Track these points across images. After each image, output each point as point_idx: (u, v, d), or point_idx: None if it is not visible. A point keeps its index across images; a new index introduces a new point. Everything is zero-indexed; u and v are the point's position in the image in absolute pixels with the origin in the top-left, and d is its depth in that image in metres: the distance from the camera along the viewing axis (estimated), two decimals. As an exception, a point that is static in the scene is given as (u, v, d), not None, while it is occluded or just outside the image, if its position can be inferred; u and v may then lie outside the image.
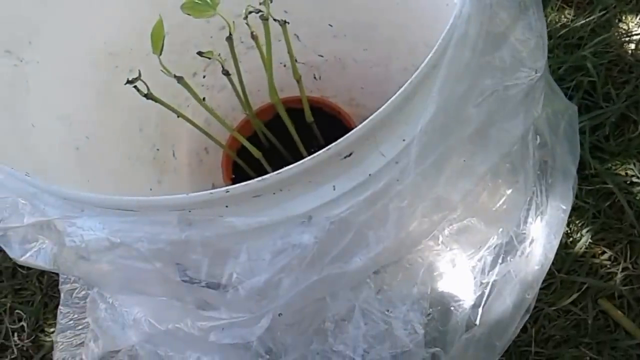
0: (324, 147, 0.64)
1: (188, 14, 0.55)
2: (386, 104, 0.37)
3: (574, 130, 0.45)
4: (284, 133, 0.65)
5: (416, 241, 0.41)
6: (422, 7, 0.58)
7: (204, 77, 0.71)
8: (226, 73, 0.61)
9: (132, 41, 0.63)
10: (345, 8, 0.67)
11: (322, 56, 0.73)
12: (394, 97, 0.36)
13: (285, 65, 0.75)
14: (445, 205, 0.38)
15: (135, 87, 0.55)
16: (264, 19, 0.53)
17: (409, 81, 0.36)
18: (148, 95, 0.56)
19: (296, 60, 0.61)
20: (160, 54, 0.53)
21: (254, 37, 0.59)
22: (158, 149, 0.67)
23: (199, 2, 0.55)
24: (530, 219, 0.45)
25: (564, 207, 0.47)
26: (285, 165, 0.65)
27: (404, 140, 0.37)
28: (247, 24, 0.57)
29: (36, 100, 0.52)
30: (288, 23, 0.57)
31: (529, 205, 0.45)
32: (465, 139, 0.36)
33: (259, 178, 0.38)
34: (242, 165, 0.67)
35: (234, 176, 0.69)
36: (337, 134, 0.65)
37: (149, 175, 0.67)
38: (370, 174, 0.38)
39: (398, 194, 0.38)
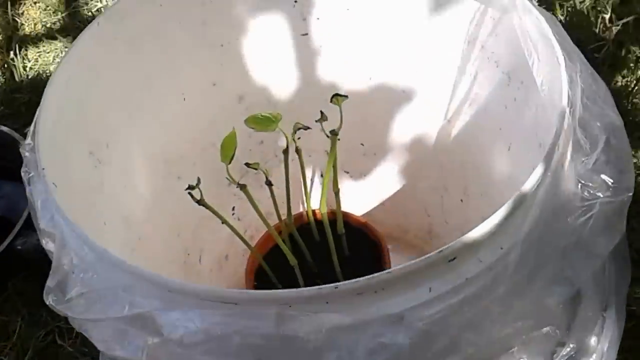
0: (350, 258, 0.68)
1: (252, 128, 0.59)
2: (490, 218, 0.40)
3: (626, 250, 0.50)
4: (311, 242, 0.68)
5: (505, 346, 0.44)
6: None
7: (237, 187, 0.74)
8: (269, 184, 0.64)
9: (183, 151, 0.66)
10: (380, 132, 0.72)
11: (347, 172, 0.77)
12: (501, 209, 0.39)
13: (311, 180, 0.79)
14: (533, 314, 0.41)
15: (190, 193, 0.57)
16: (334, 134, 0.57)
17: (513, 197, 0.39)
18: (200, 202, 0.58)
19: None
20: (230, 163, 0.56)
21: (298, 151, 0.63)
22: (189, 254, 0.69)
23: (262, 117, 0.59)
24: (596, 331, 0.48)
25: (620, 323, 0.51)
26: (314, 275, 0.67)
27: (501, 248, 0.41)
28: (294, 139, 0.61)
29: (108, 200, 0.54)
30: (338, 138, 0.60)
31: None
32: (560, 251, 0.40)
33: (367, 277, 0.40)
34: (267, 272, 0.68)
35: (256, 283, 0.70)
36: (363, 246, 0.69)
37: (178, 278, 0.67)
38: (467, 278, 0.41)
39: (492, 300, 0.41)
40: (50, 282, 0.45)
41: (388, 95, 0.70)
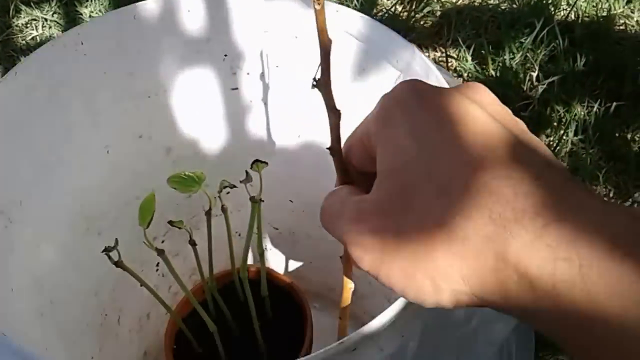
0: (272, 321, 0.66)
1: (174, 188, 0.56)
2: (391, 307, 0.40)
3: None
4: (234, 302, 0.65)
5: None
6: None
7: (162, 242, 0.71)
8: (193, 243, 0.62)
9: (105, 205, 0.63)
10: (309, 189, 0.70)
11: (276, 229, 0.75)
12: (397, 302, 0.39)
13: (239, 235, 0.76)
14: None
15: (107, 254, 0.54)
16: (254, 202, 0.55)
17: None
18: (118, 264, 0.55)
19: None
20: (147, 227, 0.53)
21: (224, 209, 0.61)
22: (107, 315, 0.65)
23: (186, 177, 0.57)
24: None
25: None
26: (235, 339, 0.64)
27: (402, 336, 0.40)
28: (219, 197, 0.59)
29: (18, 262, 0.51)
30: (263, 201, 0.59)
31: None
32: (456, 339, 0.39)
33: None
34: (186, 335, 0.65)
35: (175, 346, 0.67)
36: (286, 308, 0.67)
37: (93, 342, 0.64)
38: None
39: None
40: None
41: (316, 153, 0.68)
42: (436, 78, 0.52)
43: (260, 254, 0.64)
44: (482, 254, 0.27)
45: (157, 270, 0.71)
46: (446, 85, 0.51)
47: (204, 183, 0.57)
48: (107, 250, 0.54)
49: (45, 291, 0.54)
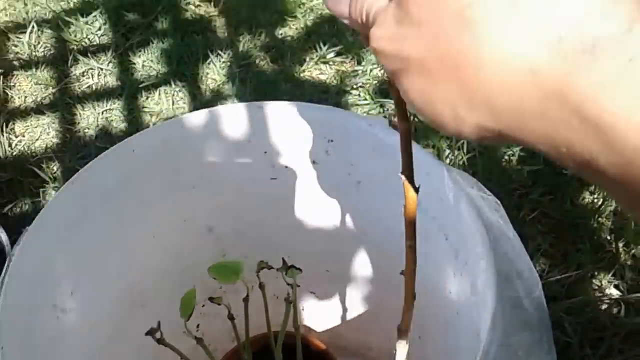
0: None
1: (214, 278, 0.61)
2: None
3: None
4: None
5: None
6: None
7: (203, 305, 0.76)
8: (231, 318, 0.67)
9: (149, 281, 0.69)
10: (346, 262, 0.75)
11: (314, 293, 0.80)
12: None
13: (277, 297, 0.81)
14: None
15: (151, 336, 0.59)
16: (289, 302, 0.59)
17: None
18: (161, 341, 0.60)
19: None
20: (188, 320, 0.58)
21: (262, 287, 0.66)
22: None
23: (225, 268, 0.61)
24: None
25: None
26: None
27: None
28: (258, 276, 0.64)
29: (68, 349, 0.56)
30: (299, 286, 0.63)
31: None
32: None
33: None
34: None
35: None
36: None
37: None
38: None
39: None
40: None
41: (352, 235, 0.73)
42: (466, 201, 0.55)
43: (296, 329, 0.68)
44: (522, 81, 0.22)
45: (197, 331, 0.76)
46: (476, 215, 0.54)
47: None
48: (150, 333, 0.59)
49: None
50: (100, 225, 0.63)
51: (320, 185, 0.72)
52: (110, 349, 0.66)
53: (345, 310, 0.83)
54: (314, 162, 0.69)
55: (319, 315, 0.84)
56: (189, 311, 0.60)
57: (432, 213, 0.63)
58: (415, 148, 0.61)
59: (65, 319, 0.59)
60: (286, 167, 0.70)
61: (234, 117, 0.65)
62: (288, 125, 0.66)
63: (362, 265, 0.77)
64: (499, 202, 0.59)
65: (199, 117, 0.64)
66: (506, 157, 1.14)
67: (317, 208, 0.74)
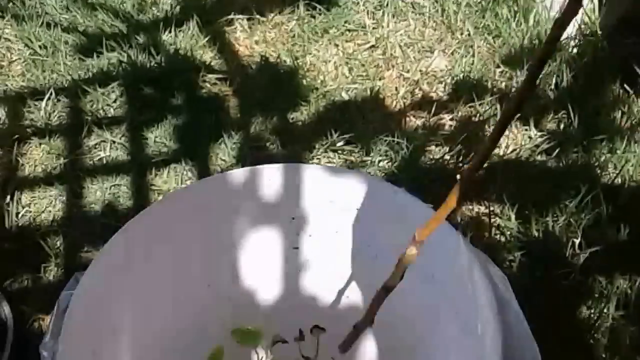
0: None
1: (237, 341, 0.67)
2: None
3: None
4: None
5: None
6: None
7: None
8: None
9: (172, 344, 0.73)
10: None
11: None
12: None
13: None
14: None
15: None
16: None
17: None
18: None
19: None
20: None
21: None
22: None
23: (247, 332, 0.67)
24: None
25: None
26: None
27: None
28: (269, 351, 0.69)
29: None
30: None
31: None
32: None
33: None
34: None
35: None
36: None
37: None
38: None
39: None
40: None
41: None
42: (478, 269, 0.62)
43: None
44: None
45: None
46: (486, 279, 0.61)
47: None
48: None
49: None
50: (141, 278, 0.68)
51: (338, 258, 0.78)
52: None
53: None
54: (336, 232, 0.76)
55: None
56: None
57: (447, 288, 0.69)
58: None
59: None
60: (310, 235, 0.77)
61: (272, 177, 0.72)
62: (319, 190, 0.73)
63: (368, 350, 0.82)
64: (505, 276, 0.66)
65: (241, 175, 0.71)
66: (507, 262, 1.21)
67: (332, 282, 0.80)
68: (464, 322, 0.67)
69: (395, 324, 0.76)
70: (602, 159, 1.37)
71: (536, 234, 1.24)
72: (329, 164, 1.39)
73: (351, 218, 0.75)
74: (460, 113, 1.49)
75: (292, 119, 1.48)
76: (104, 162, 1.39)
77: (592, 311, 1.11)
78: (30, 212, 1.30)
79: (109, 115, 1.46)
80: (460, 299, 0.66)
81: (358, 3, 1.70)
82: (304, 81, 1.53)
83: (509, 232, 1.26)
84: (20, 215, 1.29)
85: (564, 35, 1.09)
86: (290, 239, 0.78)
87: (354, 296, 0.79)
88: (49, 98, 1.47)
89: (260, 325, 0.67)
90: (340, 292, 0.80)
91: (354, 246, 0.76)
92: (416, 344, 0.74)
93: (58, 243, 1.25)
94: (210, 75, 1.53)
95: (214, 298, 0.77)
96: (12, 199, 1.30)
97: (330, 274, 0.79)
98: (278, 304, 0.81)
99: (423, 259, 0.70)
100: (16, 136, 1.40)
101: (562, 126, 1.45)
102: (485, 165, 1.40)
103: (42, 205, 1.31)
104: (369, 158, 1.40)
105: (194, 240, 0.72)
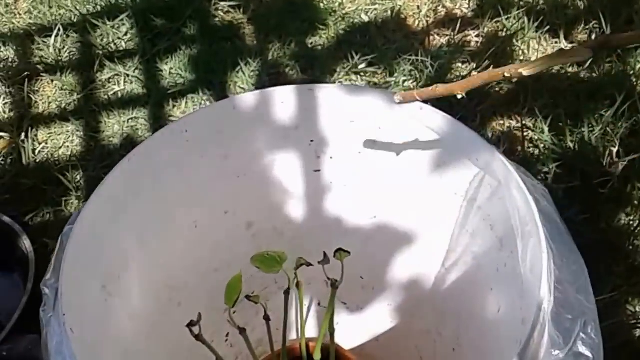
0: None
1: (257, 267, 0.64)
2: None
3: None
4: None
5: None
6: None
7: (234, 312, 0.79)
8: (267, 318, 0.69)
9: (186, 276, 0.71)
10: (380, 267, 0.77)
11: (345, 304, 0.82)
12: None
13: (308, 308, 0.84)
14: None
15: (190, 328, 0.62)
16: (334, 287, 0.62)
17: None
18: (198, 337, 0.62)
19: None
20: (233, 306, 0.61)
21: (298, 285, 0.68)
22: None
23: (269, 257, 0.64)
24: None
25: None
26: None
27: None
28: (295, 273, 0.67)
29: (112, 335, 0.59)
30: (339, 285, 0.66)
31: None
32: None
33: None
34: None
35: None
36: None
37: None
38: None
39: None
40: None
41: (390, 234, 0.76)
42: (516, 182, 0.58)
43: (331, 333, 0.70)
44: None
45: (226, 340, 0.79)
46: (525, 190, 0.57)
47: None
48: (191, 324, 0.62)
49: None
50: (149, 207, 0.66)
51: (362, 178, 0.75)
52: (147, 347, 0.68)
53: (375, 325, 0.85)
54: (359, 153, 0.73)
55: (349, 331, 0.85)
56: (235, 295, 0.62)
57: (478, 203, 0.66)
58: (465, 130, 0.64)
59: (111, 303, 0.62)
60: (331, 157, 0.74)
61: (285, 100, 0.68)
62: (337, 111, 0.69)
63: (395, 273, 0.80)
64: (546, 189, 0.62)
65: (250, 99, 0.68)
66: (541, 175, 1.17)
67: (355, 204, 0.77)
68: (500, 241, 0.64)
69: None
70: (638, 67, 1.31)
71: (571, 145, 1.20)
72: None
73: (373, 137, 0.71)
74: (486, 29, 1.43)
75: (311, 43, 1.43)
76: (119, 95, 1.36)
77: (632, 217, 1.08)
78: (48, 147, 1.28)
79: (121, 49, 1.42)
80: (496, 216, 0.63)
81: None
82: (322, 4, 1.47)
83: (542, 145, 1.22)
84: (37, 152, 1.28)
85: None
86: (311, 162, 0.75)
87: (383, 215, 0.77)
88: (57, 34, 1.43)
89: (281, 252, 0.65)
90: (364, 217, 0.77)
91: (378, 165, 0.72)
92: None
93: (78, 177, 1.24)
94: (222, 3, 1.48)
95: (231, 225, 0.75)
96: (27, 136, 1.28)
97: (354, 195, 0.76)
98: (301, 227, 0.78)
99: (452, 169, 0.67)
100: (26, 73, 1.38)
101: (593, 36, 1.39)
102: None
103: (60, 141, 1.29)
104: (393, 79, 1.36)
105: (206, 165, 0.69)
